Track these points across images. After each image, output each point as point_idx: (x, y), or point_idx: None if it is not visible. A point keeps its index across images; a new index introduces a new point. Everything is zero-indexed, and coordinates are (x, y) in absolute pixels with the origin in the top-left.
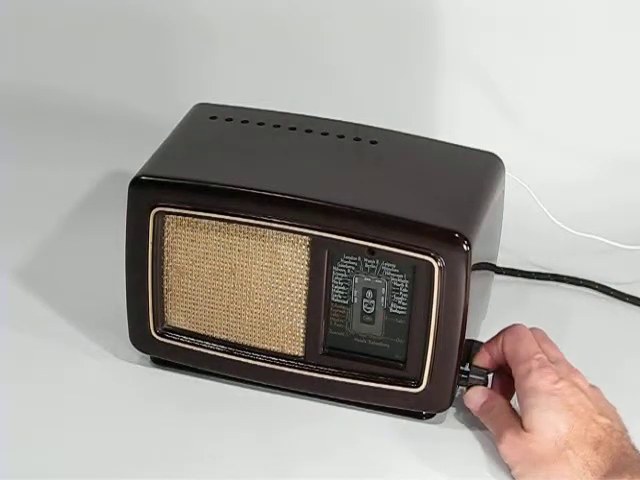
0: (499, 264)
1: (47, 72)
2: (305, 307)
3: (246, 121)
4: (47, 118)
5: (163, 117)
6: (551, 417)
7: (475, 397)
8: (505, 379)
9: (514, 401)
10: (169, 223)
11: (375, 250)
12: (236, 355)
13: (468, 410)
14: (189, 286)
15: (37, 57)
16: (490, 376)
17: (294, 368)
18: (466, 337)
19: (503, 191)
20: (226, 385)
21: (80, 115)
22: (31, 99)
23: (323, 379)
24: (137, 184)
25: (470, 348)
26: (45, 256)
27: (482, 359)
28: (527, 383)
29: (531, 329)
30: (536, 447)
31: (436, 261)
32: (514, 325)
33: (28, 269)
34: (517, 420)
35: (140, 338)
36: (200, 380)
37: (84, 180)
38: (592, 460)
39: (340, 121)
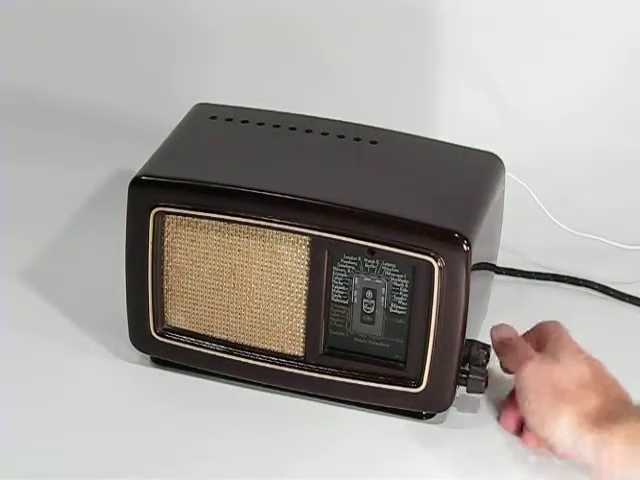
0: (499, 264)
1: (48, 73)
2: (305, 307)
3: (246, 121)
4: (48, 119)
5: (163, 117)
6: (579, 362)
7: (503, 331)
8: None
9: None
10: (169, 223)
11: (375, 250)
12: (236, 355)
13: (468, 410)
14: (189, 286)
15: (38, 59)
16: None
17: (294, 368)
18: (466, 337)
19: (503, 191)
20: (226, 385)
21: (81, 116)
22: (32, 100)
23: (323, 379)
24: (137, 184)
25: (470, 348)
26: (46, 256)
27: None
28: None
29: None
30: (560, 378)
31: (436, 261)
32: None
33: (29, 269)
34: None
35: (140, 338)
36: (200, 380)
37: (85, 180)
38: (603, 407)
39: (340, 121)
